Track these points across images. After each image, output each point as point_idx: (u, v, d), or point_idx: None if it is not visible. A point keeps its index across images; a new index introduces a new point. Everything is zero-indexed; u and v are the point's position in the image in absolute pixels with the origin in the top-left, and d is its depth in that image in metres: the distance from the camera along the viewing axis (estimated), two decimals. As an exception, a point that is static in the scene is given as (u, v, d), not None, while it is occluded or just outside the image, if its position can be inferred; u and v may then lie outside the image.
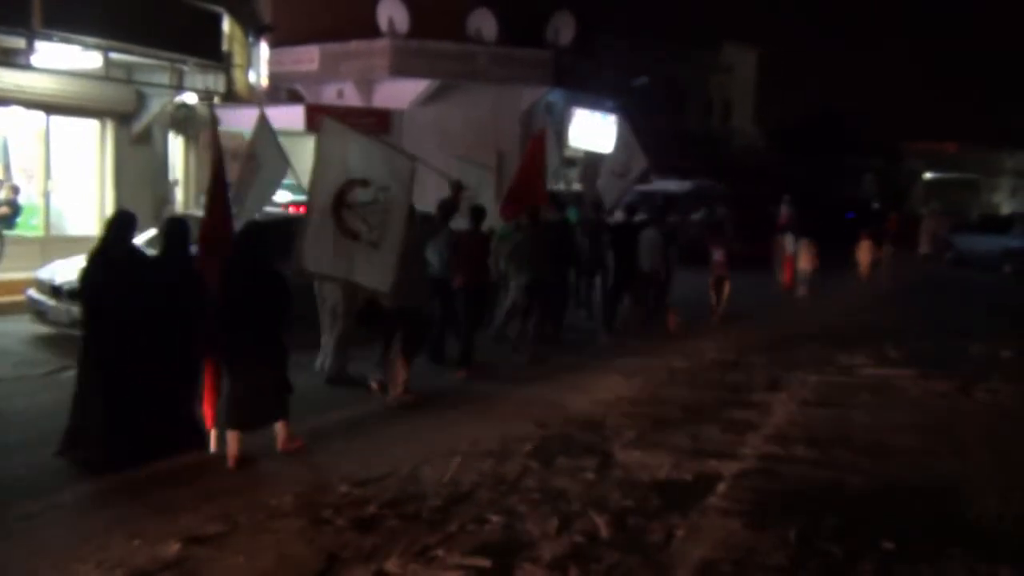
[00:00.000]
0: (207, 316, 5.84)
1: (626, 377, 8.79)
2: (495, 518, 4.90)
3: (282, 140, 25.58)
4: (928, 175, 55.97)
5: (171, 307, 5.76)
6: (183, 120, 15.75)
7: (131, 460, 5.55)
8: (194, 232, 6.25)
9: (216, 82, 13.50)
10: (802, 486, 5.47)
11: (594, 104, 26.87)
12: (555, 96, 24.91)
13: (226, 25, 14.06)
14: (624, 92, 27.52)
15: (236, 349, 5.81)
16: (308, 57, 24.71)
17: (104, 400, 5.56)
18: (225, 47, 14.37)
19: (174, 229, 6.22)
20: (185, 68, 12.82)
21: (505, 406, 7.56)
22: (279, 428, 6.06)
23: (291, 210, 19.91)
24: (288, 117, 22.89)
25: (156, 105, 13.54)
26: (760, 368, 9.31)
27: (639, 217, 12.32)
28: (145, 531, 4.69)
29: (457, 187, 9.11)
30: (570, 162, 26.49)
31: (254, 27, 18.26)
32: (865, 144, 47.25)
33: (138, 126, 13.70)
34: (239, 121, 23.57)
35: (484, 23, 23.70)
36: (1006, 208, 53.18)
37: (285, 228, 7.10)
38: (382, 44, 23.06)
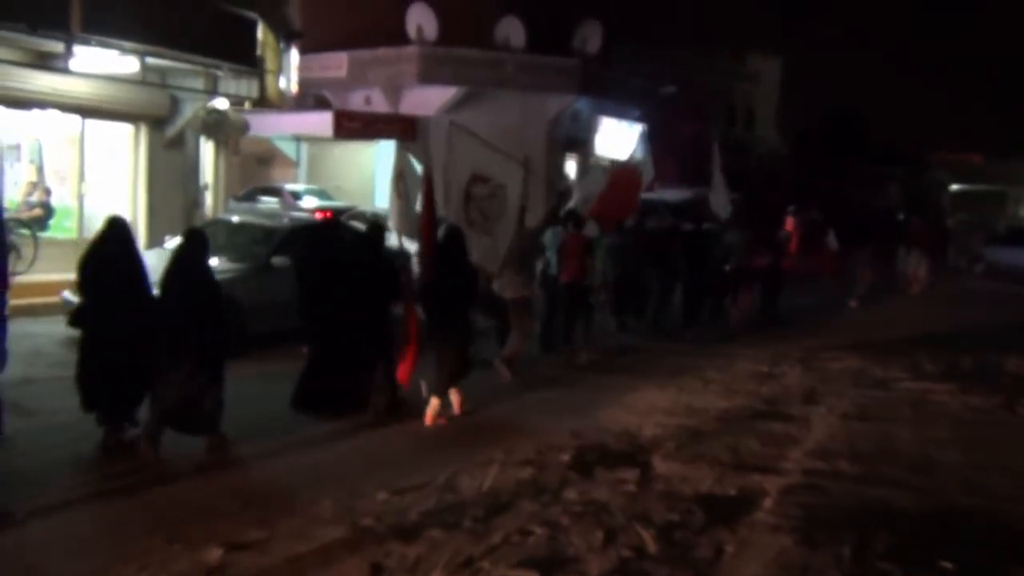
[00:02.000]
0: (410, 300, 7.34)
1: (659, 387, 8.71)
2: (538, 530, 4.84)
3: (311, 145, 25.47)
4: (954, 186, 55.42)
5: (370, 293, 7.00)
6: (213, 125, 15.84)
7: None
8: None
9: (249, 88, 13.56)
10: (851, 502, 5.36)
11: (620, 112, 26.82)
12: (581, 104, 24.88)
13: (259, 31, 14.12)
14: (650, 101, 27.46)
15: (438, 327, 7.10)
16: (336, 63, 24.83)
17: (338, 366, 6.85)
18: (258, 53, 14.43)
19: (375, 231, 7.58)
20: (219, 73, 12.89)
21: (539, 416, 7.51)
22: (455, 395, 7.22)
23: (317, 216, 20.09)
24: (316, 123, 23.05)
25: (189, 110, 13.61)
26: (795, 379, 9.20)
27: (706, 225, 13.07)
28: (186, 535, 4.67)
29: (559, 195, 10.21)
30: (430, 172, 26.32)
31: (285, 33, 18.35)
32: (890, 153, 46.86)
33: (171, 130, 13.77)
34: (268, 127, 23.88)
35: (512, 31, 23.72)
36: (1034, 220, 52.44)
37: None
38: (410, 51, 23.13)
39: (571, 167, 25.62)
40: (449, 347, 7.08)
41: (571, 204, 12.14)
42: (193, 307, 6.01)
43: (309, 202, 22.24)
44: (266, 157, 28.19)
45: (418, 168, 9.96)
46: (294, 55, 19.48)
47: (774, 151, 40.89)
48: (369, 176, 25.33)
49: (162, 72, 13.11)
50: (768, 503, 5.28)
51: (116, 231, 6.34)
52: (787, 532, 4.82)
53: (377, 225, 7.78)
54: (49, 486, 5.35)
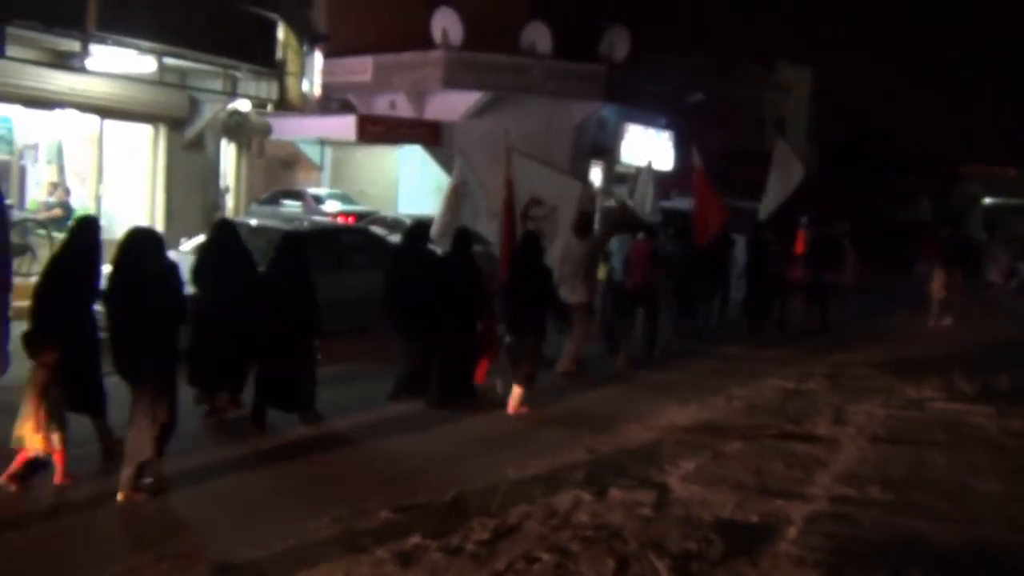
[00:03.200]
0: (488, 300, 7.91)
1: (681, 403, 8.40)
2: (546, 556, 4.55)
3: (335, 149, 25.33)
4: (988, 200, 54.44)
5: (459, 293, 7.64)
6: (235, 127, 15.74)
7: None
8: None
9: (269, 89, 13.43)
10: (881, 534, 5.01)
11: (646, 120, 26.48)
12: (608, 111, 24.58)
13: (280, 33, 14.00)
14: (677, 108, 27.10)
15: (518, 324, 7.64)
16: (361, 68, 24.72)
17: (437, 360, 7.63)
18: (279, 55, 14.30)
19: (462, 236, 8.01)
20: (239, 75, 12.76)
21: (553, 429, 7.24)
22: (515, 392, 7.63)
23: (339, 219, 19.91)
24: (340, 127, 22.94)
25: (209, 111, 13.50)
26: (822, 396, 8.83)
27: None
28: (175, 552, 4.45)
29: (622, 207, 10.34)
30: (620, 178, 26.13)
31: (309, 36, 18.25)
32: (922, 166, 46.14)
33: (191, 132, 13.67)
34: (291, 130, 23.80)
35: (539, 36, 23.49)
36: (1071, 237, 51.22)
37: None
38: (435, 56, 22.97)
39: (596, 175, 25.30)
40: (526, 345, 7.62)
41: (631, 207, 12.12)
42: (292, 295, 6.69)
43: (331, 206, 22.10)
44: (290, 160, 28.15)
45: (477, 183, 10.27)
46: (317, 58, 19.40)
47: (804, 162, 40.24)
48: (393, 181, 25.19)
49: (181, 73, 13.01)
50: (792, 532, 4.95)
51: (226, 232, 7.27)
52: (812, 566, 4.49)
53: (465, 232, 8.20)
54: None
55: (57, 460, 5.20)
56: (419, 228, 8.43)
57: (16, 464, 5.13)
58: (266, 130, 17.24)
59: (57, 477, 5.22)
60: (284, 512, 5.12)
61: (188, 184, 13.92)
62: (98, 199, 13.54)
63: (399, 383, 7.81)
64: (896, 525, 5.13)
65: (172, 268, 5.48)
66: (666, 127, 27.16)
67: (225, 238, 7.17)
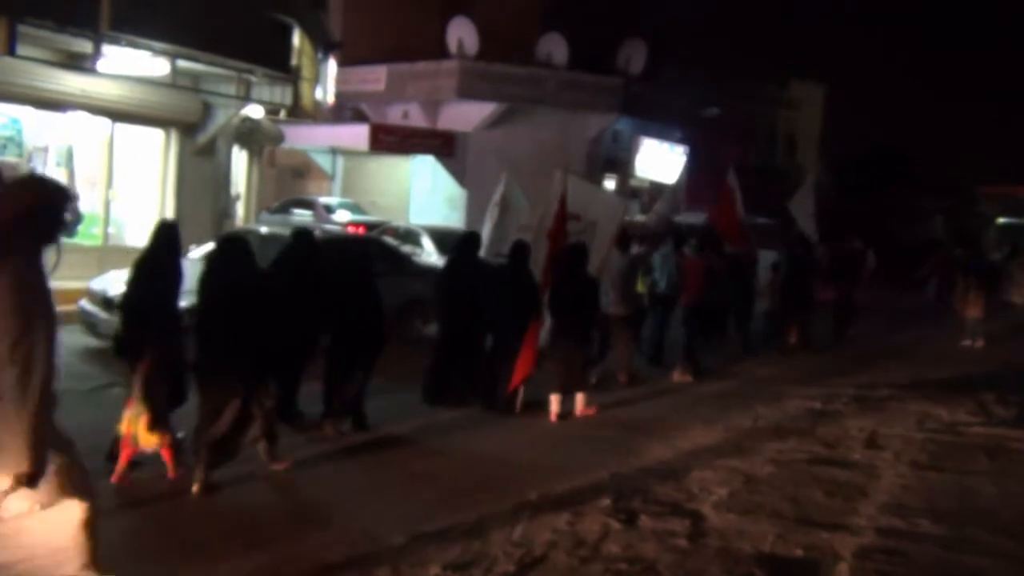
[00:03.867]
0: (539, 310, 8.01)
1: (705, 423, 8.06)
2: (577, 591, 4.23)
3: (347, 159, 25.07)
4: (1001, 220, 54.11)
5: (514, 303, 7.95)
6: (247, 134, 15.50)
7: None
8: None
9: (283, 95, 13.17)
10: (940, 573, 4.67)
11: (662, 134, 26.24)
12: (623, 124, 24.35)
13: (296, 38, 13.76)
14: (692, 123, 26.84)
15: (562, 328, 7.92)
16: (375, 77, 24.54)
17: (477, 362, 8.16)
18: (294, 61, 14.07)
19: (520, 249, 8.28)
20: (253, 79, 12.50)
21: (574, 447, 6.91)
22: (579, 398, 7.98)
23: (350, 229, 19.66)
24: (352, 136, 22.74)
25: (222, 116, 13.25)
26: (852, 418, 8.48)
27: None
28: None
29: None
30: (634, 193, 25.87)
31: (324, 43, 18.03)
32: (935, 185, 45.92)
33: (203, 137, 13.42)
34: (303, 139, 23.58)
35: (555, 48, 23.29)
36: (1084, 258, 50.88)
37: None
38: (450, 65, 22.78)
39: (610, 187, 25.02)
40: (571, 353, 7.88)
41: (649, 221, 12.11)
42: (363, 308, 6.86)
43: (342, 216, 21.89)
44: (301, 169, 27.98)
45: (522, 197, 10.91)
46: (331, 65, 19.17)
47: (816, 180, 39.93)
48: (405, 191, 24.97)
49: (194, 76, 12.77)
50: (843, 569, 4.60)
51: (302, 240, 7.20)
52: (868, 608, 4.16)
53: (522, 244, 8.44)
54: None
55: (167, 456, 5.43)
56: (471, 239, 8.71)
57: (123, 462, 5.36)
58: (279, 137, 17.02)
59: (170, 472, 5.44)
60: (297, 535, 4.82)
61: (199, 191, 13.66)
62: (107, 204, 13.29)
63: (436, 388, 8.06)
64: (953, 563, 4.77)
65: (260, 274, 5.90)
66: (680, 141, 26.91)
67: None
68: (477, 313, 8.07)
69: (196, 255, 10.00)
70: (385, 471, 6.22)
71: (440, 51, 23.07)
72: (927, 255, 27.88)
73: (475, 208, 22.93)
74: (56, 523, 3.25)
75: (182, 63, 11.64)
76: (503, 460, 6.60)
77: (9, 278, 3.04)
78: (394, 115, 24.52)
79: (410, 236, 15.76)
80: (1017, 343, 15.77)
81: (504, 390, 7.91)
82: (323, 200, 22.77)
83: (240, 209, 17.70)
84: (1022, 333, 17.23)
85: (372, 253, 8.54)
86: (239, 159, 17.15)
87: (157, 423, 5.29)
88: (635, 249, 10.25)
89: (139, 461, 5.47)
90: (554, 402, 7.84)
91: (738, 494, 5.89)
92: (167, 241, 6.00)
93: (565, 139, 22.73)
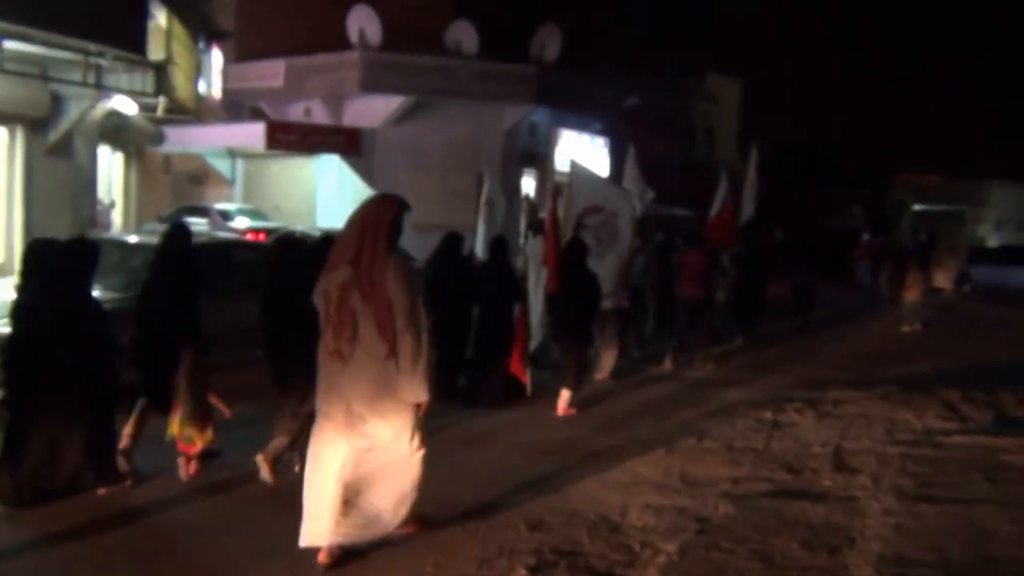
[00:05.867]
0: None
1: (643, 445, 6.78)
2: None
3: (247, 162, 22.93)
4: (917, 207, 55.24)
5: (497, 297, 8.13)
6: (115, 132, 13.69)
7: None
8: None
9: (144, 83, 11.39)
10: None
11: (581, 125, 25.09)
12: (539, 116, 23.08)
13: (162, 19, 12.02)
14: (612, 114, 25.77)
15: (569, 329, 8.00)
16: (272, 72, 22.78)
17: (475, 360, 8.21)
18: (163, 47, 12.33)
19: (499, 243, 8.49)
20: (103, 63, 10.69)
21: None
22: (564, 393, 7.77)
23: (248, 237, 17.91)
24: (247, 135, 20.93)
25: (75, 110, 11.44)
26: (810, 430, 7.30)
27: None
28: None
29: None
30: (558, 188, 24.64)
31: (205, 31, 16.26)
32: (851, 175, 46.44)
33: (54, 134, 11.58)
34: (194, 140, 21.66)
35: (464, 36, 21.89)
36: (992, 241, 52.45)
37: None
38: (352, 57, 21.19)
39: (528, 184, 23.75)
40: (574, 348, 7.89)
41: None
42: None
43: (241, 222, 20.11)
44: (199, 175, 26.02)
45: (500, 193, 11.58)
46: (216, 56, 17.42)
47: (736, 173, 39.68)
48: (309, 194, 23.27)
49: (36, 62, 10.91)
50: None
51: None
52: None
53: (501, 238, 8.65)
54: None
55: (194, 454, 5.55)
56: (453, 237, 8.63)
57: (189, 460, 5.53)
58: (155, 137, 15.22)
59: (183, 472, 5.55)
60: None
61: (53, 196, 11.81)
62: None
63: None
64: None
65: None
66: (601, 133, 25.81)
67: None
68: (462, 308, 8.25)
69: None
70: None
71: (342, 43, 21.47)
72: (849, 244, 27.78)
73: (385, 209, 21.42)
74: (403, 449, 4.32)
75: (13, 45, 9.74)
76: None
77: (397, 268, 4.16)
78: (296, 113, 22.84)
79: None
80: (951, 328, 15.16)
81: (490, 382, 7.97)
82: (219, 206, 20.90)
83: (116, 217, 15.83)
84: (953, 317, 16.71)
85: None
86: (111, 162, 15.29)
87: (205, 419, 5.51)
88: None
89: (210, 452, 5.63)
90: (563, 397, 7.78)
91: (692, 550, 4.59)
92: (180, 244, 5.97)
93: (479, 133, 21.39)
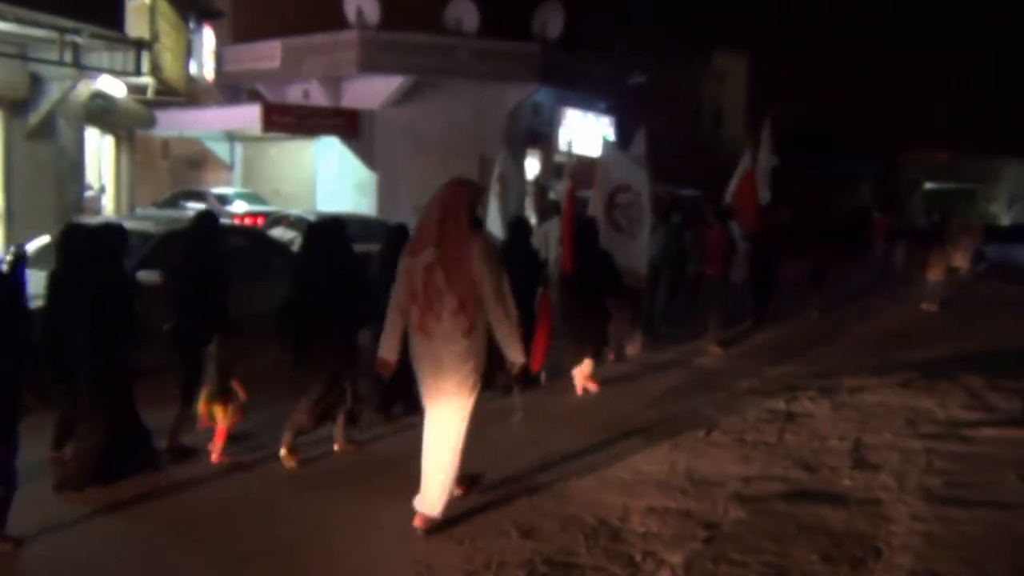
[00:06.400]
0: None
1: (646, 440, 6.35)
2: None
3: (246, 146, 22.35)
4: (928, 185, 54.53)
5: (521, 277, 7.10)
6: (101, 114, 13.24)
7: None
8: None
9: (126, 62, 10.91)
10: None
11: (585, 104, 24.51)
12: (543, 95, 22.51)
13: (145, -5, 11.54)
14: (618, 92, 25.18)
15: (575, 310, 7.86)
16: (269, 53, 22.28)
17: None
18: (147, 25, 11.85)
19: (520, 223, 8.34)
20: (79, 40, 10.20)
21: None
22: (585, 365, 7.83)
23: (246, 221, 17.47)
24: (244, 118, 20.45)
25: (56, 90, 10.98)
26: (826, 421, 6.84)
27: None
28: None
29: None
30: (560, 170, 24.11)
31: (196, 10, 15.77)
32: (860, 153, 45.77)
33: (35, 116, 11.13)
34: (191, 124, 21.20)
35: (464, 14, 21.31)
36: (1004, 219, 51.80)
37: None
38: (350, 36, 20.64)
39: (533, 164, 23.20)
40: (586, 327, 7.81)
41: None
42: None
43: (239, 206, 19.67)
44: (198, 159, 25.60)
45: (517, 170, 11.34)
46: (207, 36, 16.94)
47: (743, 151, 39.06)
48: (309, 178, 22.81)
49: (12, 42, 10.44)
50: None
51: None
52: None
53: (521, 219, 8.58)
54: None
55: (220, 437, 5.70)
56: (400, 232, 8.27)
57: (219, 441, 5.68)
58: (145, 119, 14.76)
59: (214, 455, 5.71)
60: None
61: (35, 180, 11.39)
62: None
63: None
64: None
65: (356, 261, 6.03)
66: (606, 112, 25.24)
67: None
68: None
69: (32, 247, 7.91)
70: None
71: (340, 22, 20.93)
72: (859, 223, 27.27)
73: (386, 192, 20.94)
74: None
75: (-18, 23, 9.29)
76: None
77: (482, 246, 4.54)
78: (294, 95, 22.32)
79: (301, 225, 13.71)
80: (968, 308, 14.66)
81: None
82: (217, 191, 20.46)
83: (107, 203, 15.41)
84: (969, 297, 16.20)
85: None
86: (101, 145, 14.85)
87: (228, 399, 5.64)
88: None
89: (235, 436, 5.83)
90: (586, 367, 7.78)
91: (698, 562, 4.15)
92: (207, 231, 6.14)
93: (480, 113, 20.86)
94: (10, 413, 4.43)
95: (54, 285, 5.35)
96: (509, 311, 4.52)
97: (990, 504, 4.81)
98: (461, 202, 4.56)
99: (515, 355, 4.61)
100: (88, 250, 5.30)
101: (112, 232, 5.48)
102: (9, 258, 5.45)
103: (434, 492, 4.52)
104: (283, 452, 5.63)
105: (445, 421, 4.55)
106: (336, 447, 5.95)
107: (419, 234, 4.63)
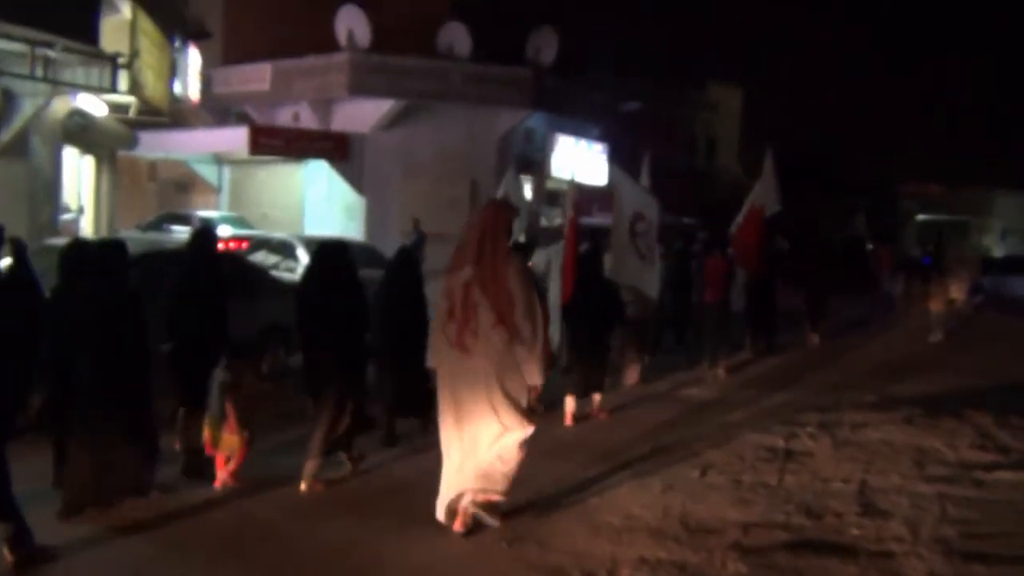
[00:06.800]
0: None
1: (638, 478, 5.94)
2: None
3: (233, 169, 21.83)
4: (921, 216, 54.65)
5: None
6: (80, 133, 12.87)
7: None
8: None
9: (102, 78, 10.55)
10: None
11: (578, 131, 24.29)
12: (536, 121, 22.27)
13: (127, 11, 11.21)
14: (611, 119, 24.97)
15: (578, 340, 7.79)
16: (258, 75, 22.03)
17: None
18: (127, 42, 11.52)
19: (522, 248, 7.88)
20: (52, 55, 9.84)
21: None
22: (596, 398, 7.85)
23: (231, 245, 17.04)
24: (230, 140, 20.12)
25: (29, 107, 10.61)
26: (828, 461, 6.43)
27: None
28: None
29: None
30: (552, 197, 23.83)
31: (182, 29, 15.47)
32: (854, 184, 45.92)
33: (6, 133, 10.74)
34: (177, 146, 20.87)
35: (457, 38, 21.12)
36: (997, 251, 51.86)
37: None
38: (340, 59, 20.41)
39: (527, 189, 22.89)
40: (589, 357, 7.75)
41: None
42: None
43: (224, 231, 19.30)
44: (185, 182, 25.26)
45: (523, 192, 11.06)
46: (193, 56, 16.62)
47: (737, 182, 39.04)
48: (298, 202, 22.47)
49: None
50: None
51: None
52: None
53: (521, 244, 8.20)
54: None
55: (232, 462, 5.61)
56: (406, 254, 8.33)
57: (220, 467, 5.57)
58: (126, 140, 14.39)
59: (220, 479, 5.60)
60: None
61: (8, 200, 10.96)
62: None
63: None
64: None
65: (359, 282, 5.96)
66: (599, 139, 25.02)
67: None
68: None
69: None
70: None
71: (331, 45, 20.71)
72: (854, 253, 27.02)
73: (375, 217, 20.58)
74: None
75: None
76: None
77: (517, 266, 4.78)
78: (284, 118, 22.05)
79: (284, 248, 13.37)
80: (967, 340, 14.34)
81: None
82: (201, 214, 20.06)
83: (85, 224, 15.00)
84: (968, 329, 15.88)
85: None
86: (80, 165, 14.47)
87: (240, 426, 5.52)
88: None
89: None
90: (569, 403, 7.67)
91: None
92: (207, 248, 6.11)
93: (472, 138, 20.59)
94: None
95: (56, 303, 5.26)
96: (535, 332, 4.66)
97: (1014, 560, 4.38)
98: (500, 224, 4.75)
99: (531, 377, 4.73)
100: (91, 266, 5.21)
101: (113, 247, 5.41)
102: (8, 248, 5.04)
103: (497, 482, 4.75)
104: (303, 486, 5.56)
105: (487, 430, 4.69)
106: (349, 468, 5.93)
107: (458, 253, 4.79)
